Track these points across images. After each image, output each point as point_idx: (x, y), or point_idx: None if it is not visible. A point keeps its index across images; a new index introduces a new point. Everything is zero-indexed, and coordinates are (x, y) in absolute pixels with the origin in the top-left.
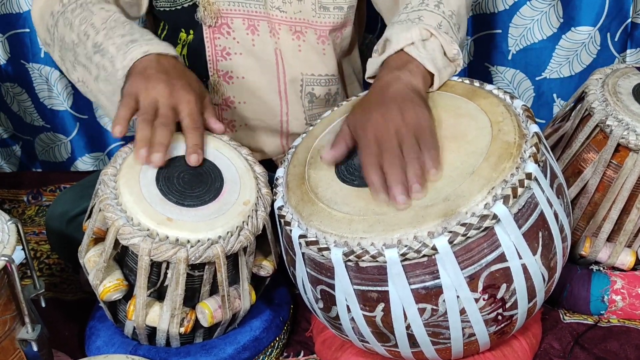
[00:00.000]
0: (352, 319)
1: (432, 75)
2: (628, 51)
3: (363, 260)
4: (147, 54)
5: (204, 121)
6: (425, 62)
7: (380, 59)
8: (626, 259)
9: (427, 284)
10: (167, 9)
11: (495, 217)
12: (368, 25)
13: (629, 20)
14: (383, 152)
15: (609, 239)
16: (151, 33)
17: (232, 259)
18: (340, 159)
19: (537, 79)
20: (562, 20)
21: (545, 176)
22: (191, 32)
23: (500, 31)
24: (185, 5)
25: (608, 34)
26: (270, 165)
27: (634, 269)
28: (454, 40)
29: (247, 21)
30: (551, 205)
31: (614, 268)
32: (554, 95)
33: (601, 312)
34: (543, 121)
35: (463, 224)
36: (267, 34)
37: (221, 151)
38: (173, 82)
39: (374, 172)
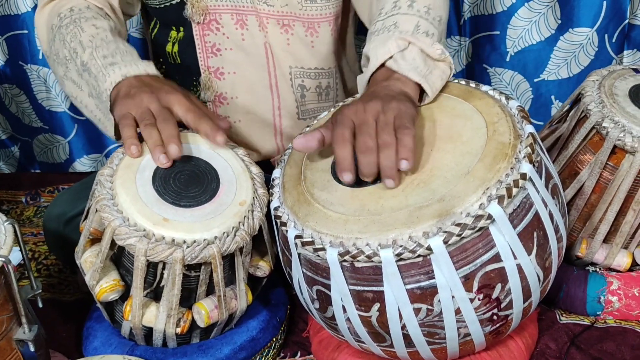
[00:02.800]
0: (348, 319)
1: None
2: (625, 52)
3: (358, 261)
4: (127, 77)
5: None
6: (408, 73)
7: (365, 77)
8: (622, 260)
9: (422, 284)
10: (157, 6)
11: (490, 217)
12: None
13: (627, 21)
14: (358, 134)
15: (606, 240)
16: (134, 53)
17: (229, 260)
18: (312, 149)
19: (535, 80)
20: (559, 22)
21: (540, 176)
22: (181, 29)
23: (498, 33)
24: (174, 2)
25: (606, 36)
26: (267, 166)
27: (630, 270)
28: (435, 38)
29: (235, 16)
30: (546, 206)
31: (610, 269)
32: (552, 97)
33: (597, 312)
34: (541, 123)
35: (458, 224)
36: (256, 28)
37: (217, 152)
38: (157, 90)
39: (343, 147)
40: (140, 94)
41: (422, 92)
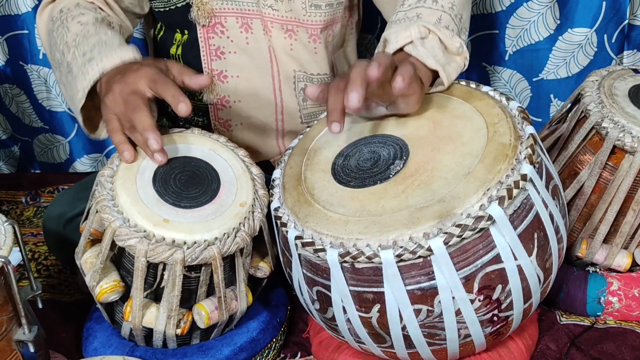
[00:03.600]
0: (348, 320)
1: (434, 73)
2: (625, 52)
3: (359, 262)
4: (103, 73)
5: (185, 80)
6: (426, 59)
7: None
8: (622, 260)
9: (422, 285)
10: (162, 9)
11: (490, 218)
12: (368, 25)
13: (626, 21)
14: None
15: (606, 240)
16: (114, 40)
17: (229, 261)
18: (321, 99)
19: (534, 79)
20: (558, 22)
21: (541, 177)
22: (186, 32)
23: (497, 32)
24: (179, 5)
25: (605, 36)
26: (267, 166)
27: (630, 270)
28: (455, 33)
29: (240, 19)
30: (546, 207)
31: (610, 269)
32: (551, 95)
33: (598, 313)
34: (540, 120)
35: (458, 225)
36: (261, 32)
37: (218, 152)
38: (126, 75)
39: (334, 95)
40: (113, 86)
41: (432, 82)
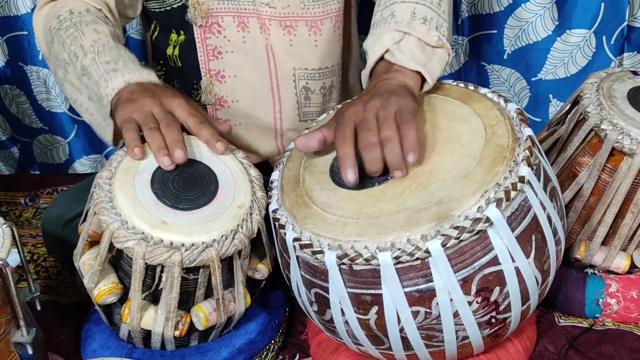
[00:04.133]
0: (346, 322)
1: (420, 73)
2: (625, 54)
3: (356, 264)
4: (129, 84)
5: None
6: (406, 64)
7: (366, 72)
8: (621, 262)
9: (420, 287)
10: (157, 9)
11: (488, 220)
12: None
13: (625, 23)
14: (359, 132)
15: (604, 242)
16: (135, 60)
17: (227, 262)
18: (313, 149)
19: (532, 79)
20: (557, 23)
21: (539, 179)
22: (182, 32)
23: (495, 32)
24: (175, 6)
25: (604, 37)
26: (266, 168)
27: (629, 272)
28: (433, 23)
29: (237, 19)
30: (544, 209)
31: (608, 271)
32: (550, 95)
33: (596, 315)
34: (539, 119)
35: (456, 227)
36: (258, 31)
37: (216, 154)
38: (159, 95)
39: (345, 145)
40: (142, 99)
41: (423, 80)
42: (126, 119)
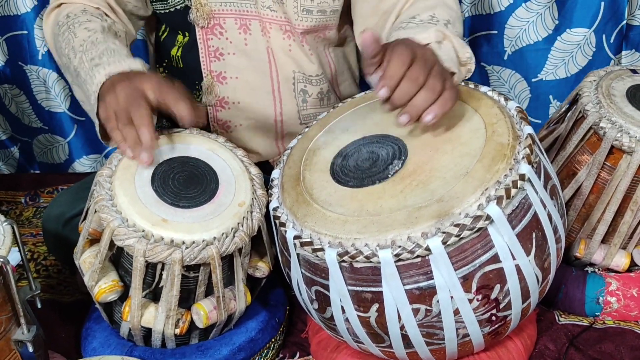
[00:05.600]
0: (347, 320)
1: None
2: (623, 52)
3: (357, 261)
4: (110, 76)
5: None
6: (444, 62)
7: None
8: (621, 260)
9: (420, 284)
10: (162, 11)
11: (488, 217)
12: None
13: (624, 22)
14: (416, 61)
15: (604, 240)
16: (122, 50)
17: (228, 260)
18: (374, 49)
19: (533, 80)
20: (557, 22)
21: (539, 177)
22: (186, 33)
23: (496, 32)
24: (178, 7)
25: (603, 36)
26: (266, 167)
27: (629, 270)
28: (464, 43)
29: (239, 21)
30: (545, 206)
31: (608, 270)
32: (550, 96)
33: (596, 313)
34: (539, 121)
35: (456, 225)
36: (259, 33)
37: (217, 153)
38: (132, 78)
39: (400, 66)
40: (116, 85)
41: None
42: (106, 116)
